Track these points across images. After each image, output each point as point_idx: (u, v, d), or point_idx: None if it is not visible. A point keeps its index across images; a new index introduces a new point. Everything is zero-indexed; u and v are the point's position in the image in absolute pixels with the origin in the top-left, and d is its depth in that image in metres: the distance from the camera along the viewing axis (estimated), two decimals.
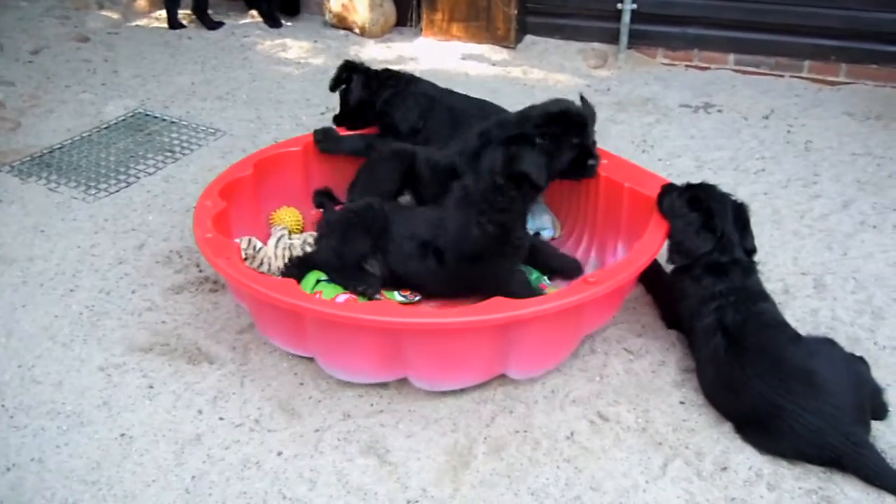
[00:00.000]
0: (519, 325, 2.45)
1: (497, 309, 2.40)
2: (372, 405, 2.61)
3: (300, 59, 5.54)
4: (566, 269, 3.09)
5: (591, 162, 2.94)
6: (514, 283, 2.80)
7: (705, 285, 2.62)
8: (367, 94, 3.56)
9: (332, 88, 3.68)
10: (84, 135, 4.45)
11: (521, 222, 2.89)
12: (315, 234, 3.26)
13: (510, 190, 2.74)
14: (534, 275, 3.05)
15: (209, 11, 6.12)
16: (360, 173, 3.34)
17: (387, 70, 3.67)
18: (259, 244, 3.12)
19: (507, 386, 2.66)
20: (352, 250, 2.92)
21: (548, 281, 3.08)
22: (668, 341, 2.86)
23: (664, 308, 2.95)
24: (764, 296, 2.64)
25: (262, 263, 3.10)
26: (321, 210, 3.41)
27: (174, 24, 6.06)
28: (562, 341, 2.67)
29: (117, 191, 3.91)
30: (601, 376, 2.72)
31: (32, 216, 3.69)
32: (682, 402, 2.60)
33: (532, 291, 2.81)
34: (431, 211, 2.97)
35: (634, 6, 5.26)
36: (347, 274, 2.92)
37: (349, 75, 3.62)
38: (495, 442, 2.47)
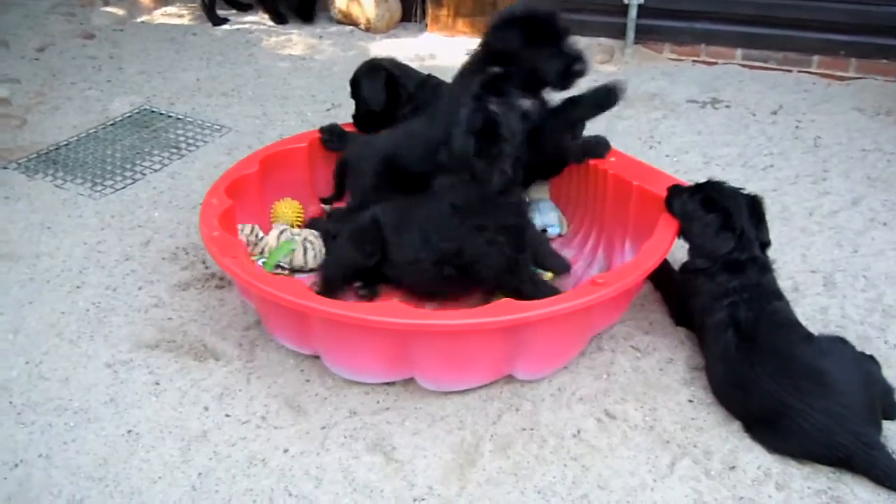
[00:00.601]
0: (527, 328, 2.44)
1: (505, 311, 2.39)
2: (378, 402, 2.60)
3: (305, 54, 5.53)
4: (556, 270, 3.00)
5: (576, 67, 2.86)
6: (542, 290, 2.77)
7: (720, 282, 2.61)
8: (390, 102, 3.41)
9: (364, 94, 3.46)
10: (90, 131, 4.45)
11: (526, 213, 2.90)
12: (315, 232, 3.26)
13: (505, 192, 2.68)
14: None
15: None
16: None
17: (414, 76, 3.48)
18: (261, 233, 3.14)
19: (514, 384, 2.65)
20: (340, 267, 2.96)
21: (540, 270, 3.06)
22: (676, 339, 2.85)
23: (673, 305, 2.93)
24: (778, 294, 2.62)
25: (262, 252, 3.11)
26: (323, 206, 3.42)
27: (216, 20, 6.06)
28: (570, 343, 2.65)
29: (123, 187, 3.91)
30: (608, 374, 2.71)
31: (39, 213, 3.69)
32: (690, 401, 2.59)
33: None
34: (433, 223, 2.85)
35: (641, 1, 5.22)
36: (329, 287, 2.93)
37: (384, 81, 3.41)
38: (502, 440, 2.46)
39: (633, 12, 5.29)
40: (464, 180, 2.68)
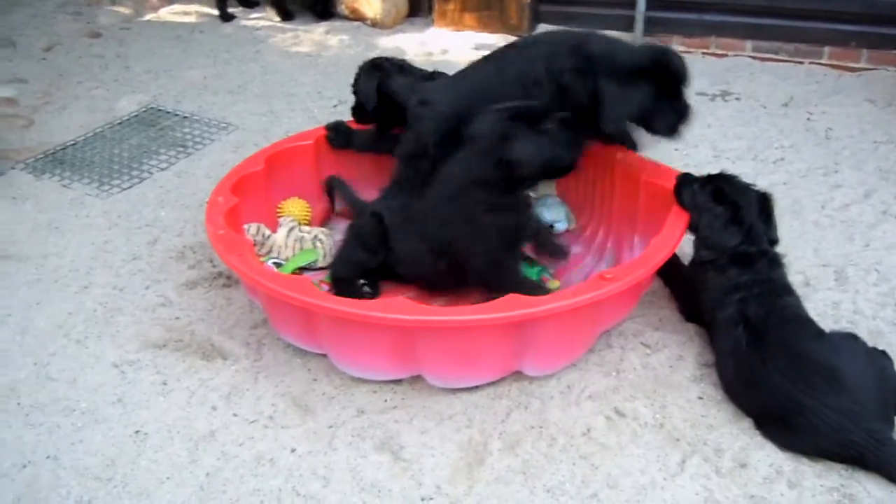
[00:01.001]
0: (535, 323, 2.41)
1: (512, 306, 2.37)
2: (386, 401, 2.59)
3: (312, 51, 5.52)
4: (555, 254, 3.00)
5: (685, 123, 2.84)
6: (525, 285, 2.75)
7: (730, 276, 2.58)
8: (383, 102, 3.30)
9: (359, 91, 3.39)
10: (97, 131, 4.45)
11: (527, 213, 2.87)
12: (325, 229, 3.26)
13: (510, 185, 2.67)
14: (536, 268, 3.03)
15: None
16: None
17: (418, 75, 3.36)
18: (268, 231, 3.14)
19: (522, 381, 2.63)
20: (349, 266, 2.97)
21: (549, 274, 3.05)
22: (686, 335, 2.82)
23: (683, 301, 2.90)
24: (788, 290, 2.59)
25: (270, 251, 3.10)
26: (329, 197, 3.39)
27: (226, 16, 6.09)
28: (578, 338, 2.63)
29: (130, 186, 3.91)
30: (618, 371, 2.68)
31: (46, 213, 3.69)
32: (700, 398, 2.56)
33: (543, 290, 2.77)
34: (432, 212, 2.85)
35: None
36: (340, 286, 2.94)
37: (383, 78, 3.31)
38: (510, 438, 2.44)
39: (641, 4, 5.25)
40: (473, 166, 2.68)
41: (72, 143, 4.32)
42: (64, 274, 3.27)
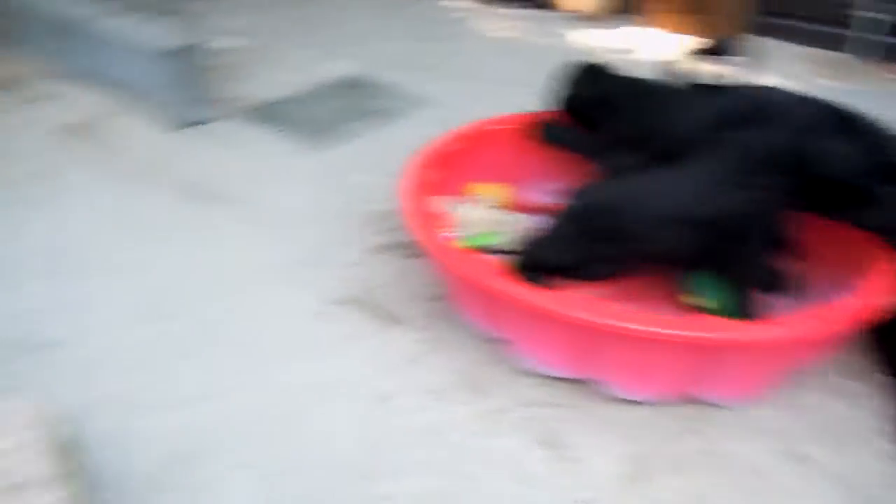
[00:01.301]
0: (727, 349, 2.34)
1: (694, 327, 2.31)
2: (555, 397, 2.59)
3: (514, 36, 5.54)
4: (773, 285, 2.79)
5: None
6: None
7: None
8: (590, 107, 3.25)
9: (572, 98, 3.34)
10: (304, 90, 4.68)
11: None
12: (516, 215, 3.24)
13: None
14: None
15: None
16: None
17: (629, 82, 3.26)
18: (458, 207, 3.17)
19: (697, 405, 2.55)
20: (534, 261, 2.79)
21: None
22: (877, 385, 2.64)
23: (883, 351, 2.71)
24: None
25: (459, 227, 3.14)
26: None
27: None
28: (768, 373, 2.52)
29: (331, 148, 4.09)
30: (799, 411, 2.55)
31: (251, 164, 3.94)
32: (886, 453, 2.39)
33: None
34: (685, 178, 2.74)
35: (877, 15, 4.84)
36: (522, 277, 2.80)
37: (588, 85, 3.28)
38: (676, 459, 2.38)
39: (867, 26, 4.91)
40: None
41: (280, 99, 4.56)
42: (260, 224, 3.47)
